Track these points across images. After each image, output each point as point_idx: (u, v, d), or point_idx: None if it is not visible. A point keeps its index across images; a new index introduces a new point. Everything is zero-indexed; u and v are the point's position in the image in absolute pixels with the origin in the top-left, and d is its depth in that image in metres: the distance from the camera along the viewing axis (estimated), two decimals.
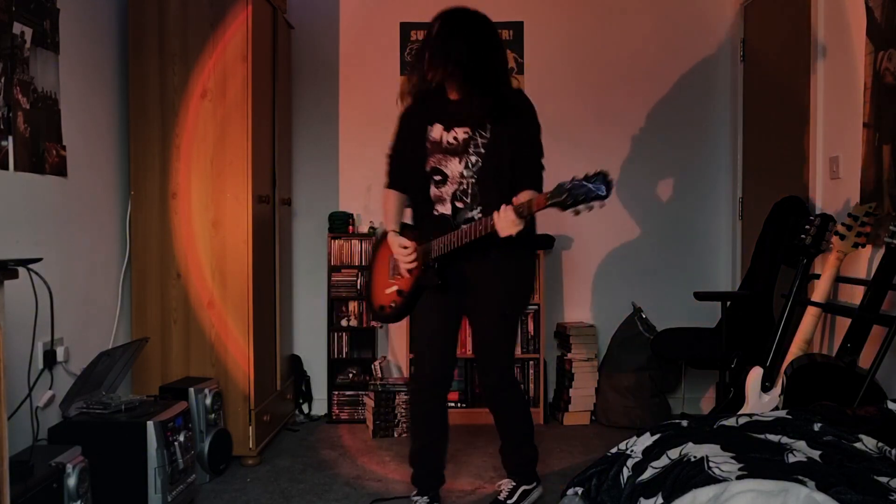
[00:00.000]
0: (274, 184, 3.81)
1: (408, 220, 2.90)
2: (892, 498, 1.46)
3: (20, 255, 2.28)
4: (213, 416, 3.22)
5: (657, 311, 4.33)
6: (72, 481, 2.38)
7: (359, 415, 4.21)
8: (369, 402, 4.02)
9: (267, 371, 3.69)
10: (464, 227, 2.58)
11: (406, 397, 3.89)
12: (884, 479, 1.54)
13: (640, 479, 1.73)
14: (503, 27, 4.38)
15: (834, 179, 3.24)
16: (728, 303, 3.50)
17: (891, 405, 2.11)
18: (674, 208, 4.41)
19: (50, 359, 2.81)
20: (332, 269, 4.21)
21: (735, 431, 1.89)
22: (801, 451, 1.70)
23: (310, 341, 4.36)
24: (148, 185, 3.43)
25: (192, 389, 3.15)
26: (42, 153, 2.81)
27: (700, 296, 3.60)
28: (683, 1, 4.38)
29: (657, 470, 1.72)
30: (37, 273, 2.04)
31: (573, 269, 4.43)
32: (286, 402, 4.05)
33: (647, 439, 1.90)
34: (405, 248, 2.73)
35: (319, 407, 4.34)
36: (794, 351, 2.89)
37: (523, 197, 2.47)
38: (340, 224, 4.22)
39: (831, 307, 2.96)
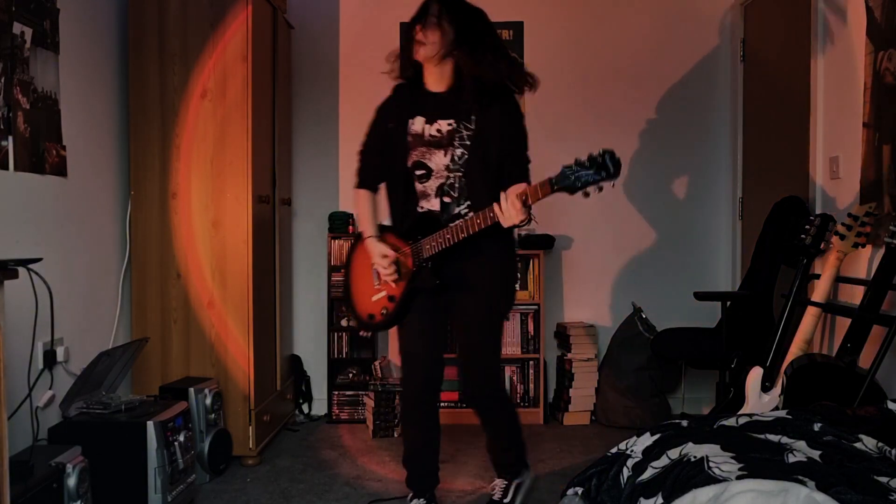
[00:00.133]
0: (274, 184, 3.81)
1: (382, 217, 2.79)
2: (892, 498, 1.46)
3: (20, 255, 2.28)
4: (213, 416, 3.22)
5: (657, 311, 4.33)
6: (72, 481, 2.38)
7: (359, 415, 4.21)
8: (369, 402, 4.02)
9: (267, 371, 3.69)
10: (459, 222, 2.50)
11: None
12: (884, 479, 1.54)
13: (640, 479, 1.73)
14: (503, 27, 4.39)
15: (834, 179, 3.24)
16: (728, 303, 3.51)
17: (891, 405, 2.11)
18: (674, 208, 4.41)
19: (50, 359, 2.81)
20: (332, 269, 4.21)
21: (735, 431, 1.89)
22: (801, 451, 1.70)
23: (310, 341, 4.36)
24: (148, 185, 3.43)
25: (192, 389, 3.15)
26: (42, 153, 2.81)
27: (700, 296, 3.60)
28: (683, 1, 4.38)
29: (657, 470, 1.72)
30: (37, 273, 2.04)
31: (573, 269, 4.43)
32: (286, 402, 4.05)
33: (647, 439, 1.90)
34: (385, 256, 2.63)
35: (319, 407, 4.34)
36: (794, 351, 2.90)
37: (520, 188, 2.40)
38: (340, 224, 4.22)
39: (831, 307, 2.96)
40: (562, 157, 4.42)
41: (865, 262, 2.98)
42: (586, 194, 2.17)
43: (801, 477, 1.50)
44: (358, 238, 2.80)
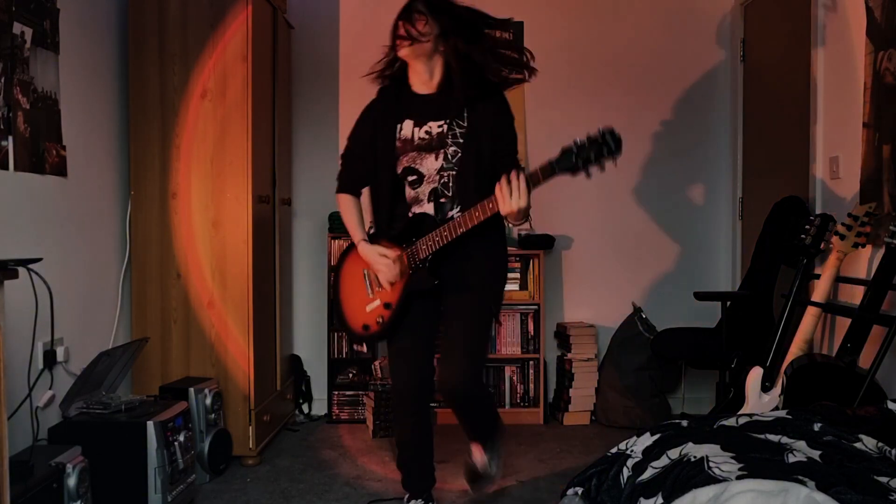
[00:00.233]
0: (274, 184, 3.81)
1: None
2: (892, 498, 1.46)
3: (20, 255, 2.27)
4: (213, 416, 3.22)
5: (657, 311, 4.34)
6: (72, 481, 2.38)
7: (359, 415, 4.21)
8: (369, 402, 4.02)
9: (267, 371, 3.69)
10: (457, 217, 2.43)
11: None
12: (884, 479, 1.54)
13: (640, 479, 1.73)
14: (503, 27, 4.38)
15: (834, 179, 3.24)
16: (728, 303, 3.51)
17: (891, 405, 2.11)
18: (674, 208, 4.41)
19: (50, 359, 2.81)
20: (332, 269, 4.20)
21: (735, 431, 1.89)
22: (801, 451, 1.70)
23: (310, 341, 4.36)
24: (148, 185, 3.43)
25: (192, 389, 3.15)
26: (42, 153, 2.81)
27: (700, 296, 3.61)
28: (683, 1, 4.38)
29: (657, 470, 1.72)
30: (37, 273, 2.04)
31: (573, 269, 4.43)
32: (286, 402, 4.05)
33: (647, 439, 1.90)
34: (384, 256, 2.54)
35: (319, 407, 4.34)
36: (794, 351, 2.90)
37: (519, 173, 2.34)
38: (340, 224, 4.19)
39: (831, 307, 2.97)
40: None
41: (865, 262, 2.98)
42: (588, 174, 2.12)
43: (801, 477, 1.51)
44: (347, 249, 2.71)
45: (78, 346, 3.02)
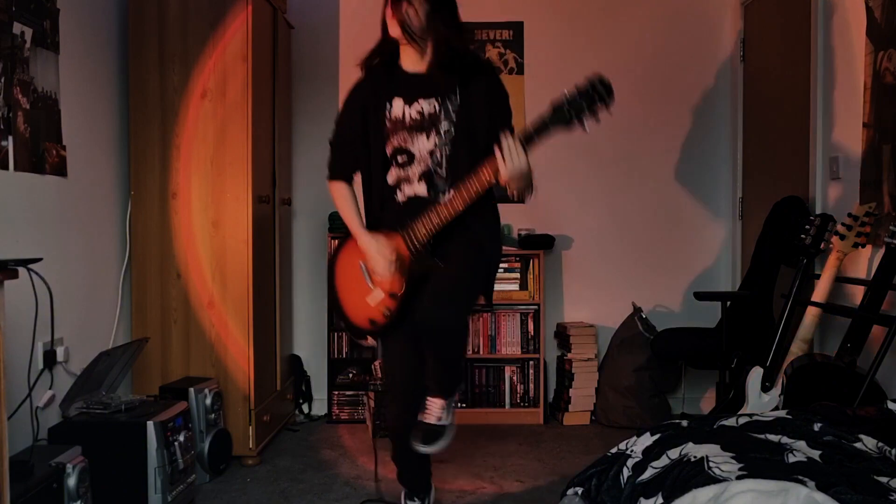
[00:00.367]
0: (274, 184, 3.81)
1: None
2: (892, 498, 1.46)
3: (20, 255, 2.27)
4: (213, 416, 3.22)
5: (657, 311, 4.34)
6: (72, 481, 2.38)
7: (359, 415, 4.21)
8: (369, 402, 4.02)
9: (267, 371, 3.69)
10: (453, 193, 2.35)
11: None
12: (884, 479, 1.54)
13: (640, 479, 1.73)
14: (503, 27, 4.39)
15: (834, 179, 3.24)
16: (728, 303, 3.51)
17: (891, 405, 2.11)
18: (674, 208, 4.41)
19: (50, 359, 2.81)
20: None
21: (735, 431, 1.89)
22: (801, 451, 1.70)
23: (310, 341, 4.36)
24: (148, 185, 3.43)
25: (192, 389, 3.15)
26: (42, 153, 2.81)
27: (700, 296, 3.61)
28: (683, 1, 4.38)
29: (657, 470, 1.72)
30: (37, 273, 2.04)
31: (573, 269, 4.43)
32: (286, 402, 4.05)
33: (647, 439, 1.90)
34: (383, 254, 2.44)
35: (319, 407, 4.34)
36: (794, 351, 2.90)
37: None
38: (340, 224, 4.20)
39: (831, 307, 2.96)
40: (561, 157, 4.44)
41: (865, 262, 2.98)
42: (584, 128, 2.07)
43: (801, 477, 1.51)
44: (342, 242, 2.64)
45: (78, 346, 3.02)
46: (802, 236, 3.08)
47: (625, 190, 4.40)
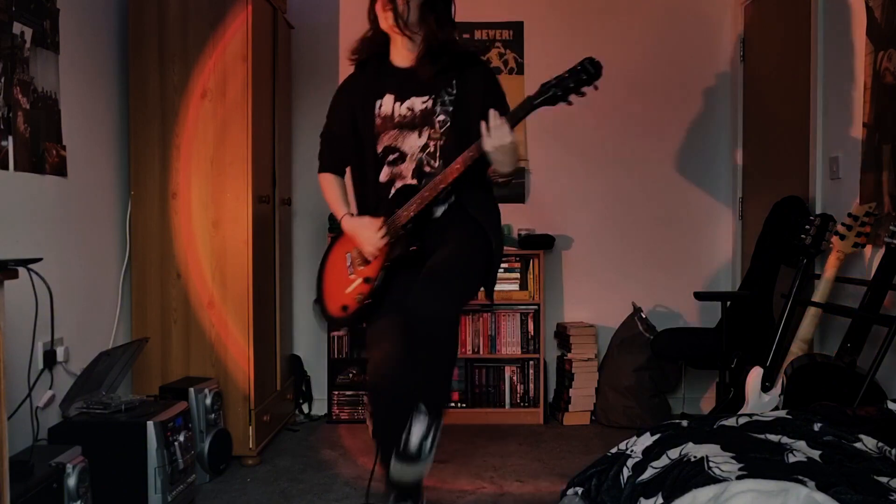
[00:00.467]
0: (274, 184, 3.81)
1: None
2: (892, 498, 1.46)
3: (20, 255, 2.27)
4: (213, 416, 3.22)
5: (657, 311, 4.34)
6: (72, 481, 2.38)
7: (359, 415, 4.21)
8: (369, 403, 4.02)
9: (267, 371, 3.69)
10: (437, 177, 2.28)
11: None
12: (884, 479, 1.54)
13: (640, 479, 1.73)
14: (503, 27, 4.39)
15: (834, 179, 3.24)
16: (728, 303, 3.51)
17: (891, 405, 2.11)
18: (674, 208, 4.41)
19: (50, 359, 2.81)
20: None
21: (735, 431, 1.89)
22: (801, 451, 1.70)
23: (310, 341, 4.36)
24: (148, 185, 3.43)
25: (192, 389, 3.15)
26: (42, 153, 2.81)
27: (700, 296, 3.61)
28: (683, 1, 4.38)
29: (657, 470, 1.72)
30: (37, 273, 2.04)
31: (573, 269, 4.43)
32: (286, 402, 4.05)
33: (647, 439, 1.90)
34: (369, 226, 2.37)
35: (319, 407, 4.34)
36: (794, 351, 2.90)
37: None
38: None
39: (831, 307, 2.97)
40: (562, 157, 4.45)
41: (865, 262, 2.98)
42: (569, 102, 2.08)
43: (801, 477, 1.51)
44: (333, 239, 2.59)
45: (78, 346, 3.02)
46: (802, 236, 3.08)
47: (625, 190, 4.40)
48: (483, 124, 2.16)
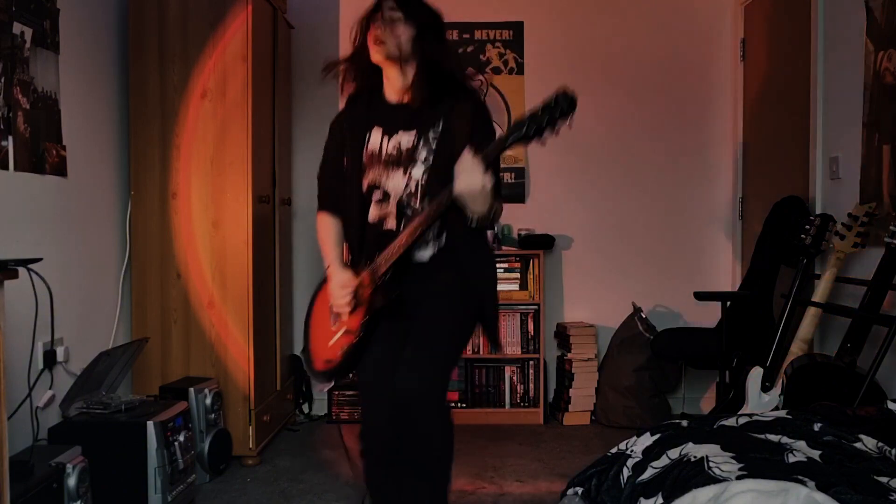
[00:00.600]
0: (274, 184, 3.81)
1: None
2: (892, 498, 1.46)
3: (20, 255, 2.27)
4: (213, 416, 3.22)
5: (657, 311, 4.34)
6: (72, 481, 2.38)
7: (359, 415, 4.20)
8: None
9: (267, 371, 3.69)
10: (416, 219, 2.16)
11: None
12: (884, 479, 1.54)
13: (640, 479, 1.73)
14: (503, 27, 4.39)
15: (834, 179, 3.24)
16: (728, 303, 3.50)
17: (891, 405, 2.11)
18: (674, 208, 4.41)
19: (50, 359, 2.81)
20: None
21: (735, 431, 1.89)
22: (801, 451, 1.70)
23: None
24: (148, 185, 3.43)
25: (192, 389, 3.15)
26: (42, 153, 2.81)
27: (700, 296, 3.61)
28: (684, 1, 4.38)
29: (657, 470, 1.72)
30: (37, 273, 2.04)
31: (573, 269, 4.43)
32: (286, 402, 4.04)
33: (647, 439, 1.90)
34: (344, 287, 2.26)
35: (319, 407, 4.34)
36: (794, 351, 2.90)
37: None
38: None
39: (831, 307, 2.97)
40: (561, 157, 4.44)
41: (865, 262, 2.98)
42: (542, 141, 1.97)
43: (801, 477, 1.51)
44: (320, 283, 2.47)
45: (78, 346, 3.02)
46: (802, 236, 3.08)
47: (625, 190, 4.40)
48: (457, 164, 2.04)
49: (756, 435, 1.83)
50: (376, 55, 2.27)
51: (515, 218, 4.30)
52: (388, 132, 2.28)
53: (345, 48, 4.35)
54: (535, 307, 4.17)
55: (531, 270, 4.18)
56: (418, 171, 2.23)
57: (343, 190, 2.36)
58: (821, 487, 1.46)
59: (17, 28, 2.64)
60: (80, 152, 3.10)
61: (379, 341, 2.27)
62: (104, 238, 3.33)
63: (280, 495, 3.09)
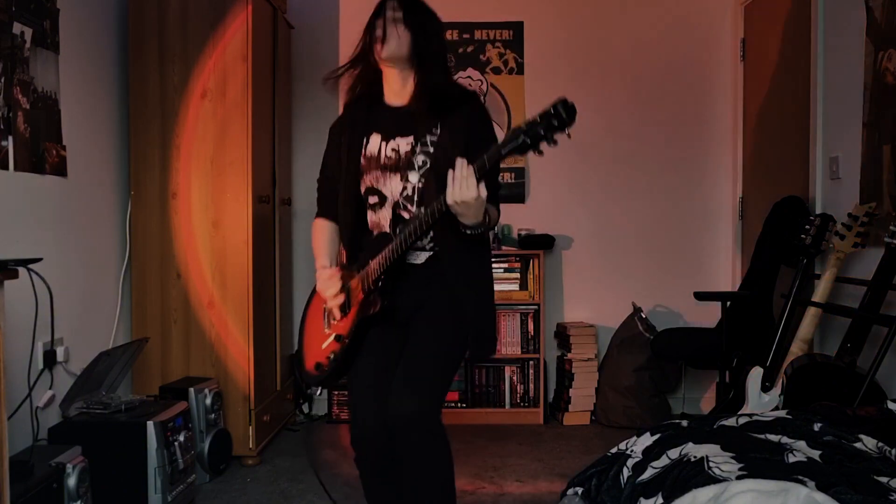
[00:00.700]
0: (274, 184, 3.81)
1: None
2: (892, 498, 1.46)
3: (20, 255, 2.27)
4: (213, 416, 3.22)
5: (657, 311, 4.34)
6: (72, 481, 2.38)
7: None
8: None
9: (267, 371, 3.69)
10: (409, 227, 2.10)
11: None
12: (884, 479, 1.54)
13: (640, 479, 1.73)
14: (503, 27, 4.39)
15: (834, 179, 3.24)
16: (728, 303, 3.50)
17: (891, 405, 2.11)
18: (674, 208, 4.41)
19: (50, 359, 2.81)
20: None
21: (735, 431, 1.89)
22: (801, 451, 1.70)
23: None
24: (148, 185, 3.43)
25: (192, 389, 3.15)
26: (42, 153, 2.81)
27: (700, 296, 3.60)
28: (684, 1, 4.38)
29: (657, 470, 1.72)
30: (37, 273, 2.04)
31: (573, 269, 4.43)
32: (286, 402, 4.05)
33: (647, 439, 1.90)
34: (332, 278, 2.22)
35: (319, 407, 4.34)
36: (794, 351, 2.90)
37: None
38: None
39: (831, 307, 2.97)
40: (561, 157, 4.44)
41: (866, 262, 2.98)
42: (539, 152, 1.89)
43: (801, 477, 1.51)
44: (315, 289, 2.39)
45: (78, 346, 3.02)
46: (802, 236, 3.08)
47: (625, 190, 4.40)
48: (450, 173, 1.96)
49: (756, 435, 1.83)
50: (379, 54, 2.25)
51: (515, 218, 4.30)
52: (386, 137, 2.25)
53: (345, 48, 4.38)
54: (535, 307, 4.17)
55: (531, 270, 4.18)
56: (415, 177, 2.20)
57: (341, 195, 2.33)
58: (821, 487, 1.46)
59: (17, 28, 2.64)
60: (80, 152, 3.10)
61: (369, 349, 2.23)
62: (104, 238, 3.33)
63: (280, 495, 3.09)
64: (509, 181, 4.36)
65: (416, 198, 2.20)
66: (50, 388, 2.80)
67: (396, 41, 2.24)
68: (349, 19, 4.37)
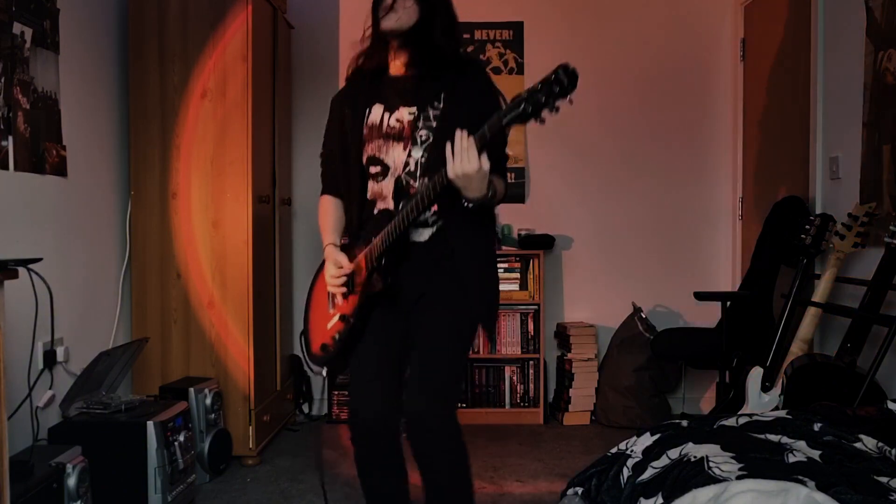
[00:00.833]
0: (274, 184, 3.81)
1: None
2: (892, 498, 1.46)
3: (20, 255, 2.27)
4: (213, 416, 3.22)
5: (657, 311, 4.34)
6: (72, 481, 2.38)
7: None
8: None
9: (267, 371, 3.69)
10: (410, 203, 2.04)
11: None
12: (884, 479, 1.54)
13: (640, 479, 1.73)
14: (503, 27, 4.39)
15: (834, 179, 3.24)
16: (728, 303, 3.51)
17: (891, 405, 2.11)
18: (674, 208, 4.41)
19: (50, 359, 2.81)
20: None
21: (735, 431, 1.89)
22: (801, 451, 1.70)
23: None
24: (148, 185, 3.43)
25: (192, 389, 3.15)
26: (42, 153, 2.81)
27: (700, 296, 3.60)
28: (683, 1, 4.38)
29: (657, 470, 1.72)
30: (37, 273, 2.04)
31: (573, 269, 4.43)
32: (286, 402, 4.04)
33: (647, 439, 1.90)
34: (339, 268, 2.19)
35: (319, 407, 4.34)
36: (794, 351, 2.90)
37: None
38: None
39: (831, 307, 2.97)
40: (562, 157, 4.44)
41: (865, 262, 2.98)
42: (541, 120, 1.85)
43: (801, 477, 1.51)
44: (321, 266, 2.36)
45: (78, 346, 3.02)
46: (802, 236, 3.08)
47: (625, 190, 4.40)
48: (448, 147, 1.91)
49: (756, 435, 1.83)
50: (386, 23, 2.23)
51: (515, 218, 4.30)
52: (390, 108, 2.21)
53: (345, 48, 4.38)
54: (535, 307, 4.17)
55: (531, 270, 4.18)
56: (417, 152, 2.16)
57: (341, 167, 2.31)
58: (821, 487, 1.46)
59: (17, 28, 2.64)
60: (80, 152, 3.10)
61: (373, 335, 2.19)
62: (104, 238, 3.33)
63: (280, 495, 3.09)
64: (509, 181, 4.35)
65: (418, 173, 2.15)
66: (50, 388, 2.80)
67: (404, 12, 2.21)
68: (349, 19, 4.37)
